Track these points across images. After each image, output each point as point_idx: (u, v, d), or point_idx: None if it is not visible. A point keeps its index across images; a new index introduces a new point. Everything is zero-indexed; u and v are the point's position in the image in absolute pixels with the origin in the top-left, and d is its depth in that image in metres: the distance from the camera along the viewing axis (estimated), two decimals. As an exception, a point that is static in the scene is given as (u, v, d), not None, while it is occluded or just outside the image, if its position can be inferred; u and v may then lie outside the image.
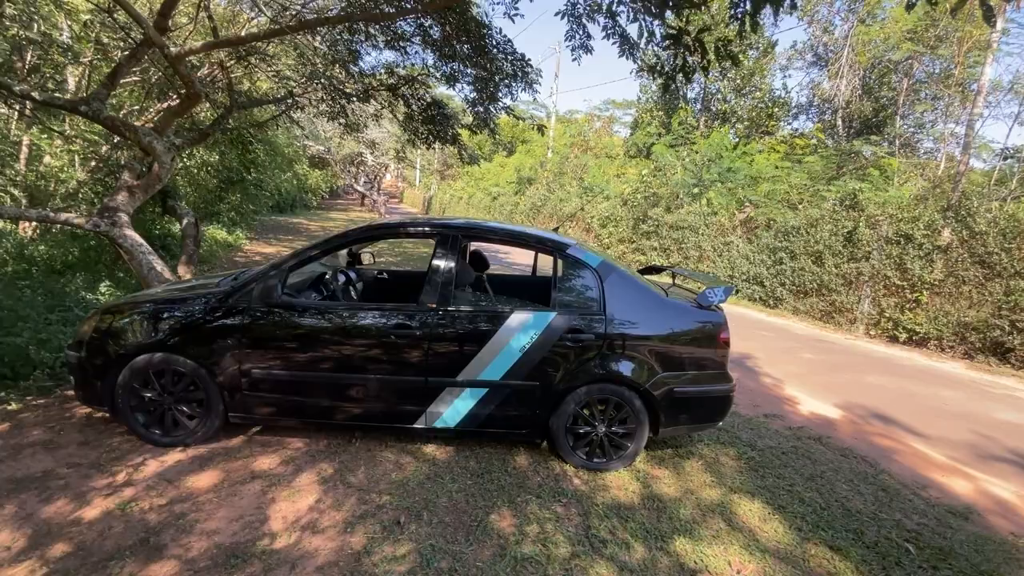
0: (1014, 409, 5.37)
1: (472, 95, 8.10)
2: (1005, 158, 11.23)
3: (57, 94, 7.60)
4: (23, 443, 3.05)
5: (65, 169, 8.76)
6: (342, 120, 9.31)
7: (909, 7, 2.04)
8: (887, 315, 8.24)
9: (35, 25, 7.23)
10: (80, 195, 8.68)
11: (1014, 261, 7.03)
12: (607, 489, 3.07)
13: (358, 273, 4.47)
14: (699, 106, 19.28)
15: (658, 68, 3.11)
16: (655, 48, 2.98)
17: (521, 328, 3.08)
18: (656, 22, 2.78)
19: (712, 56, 2.76)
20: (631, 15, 2.98)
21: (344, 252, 4.48)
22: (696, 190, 12.75)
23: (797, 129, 17.70)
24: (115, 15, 6.47)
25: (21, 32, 7.09)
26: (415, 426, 3.17)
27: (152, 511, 2.51)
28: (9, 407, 3.46)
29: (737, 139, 14.96)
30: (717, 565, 2.49)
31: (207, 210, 12.94)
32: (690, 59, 2.79)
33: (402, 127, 9.47)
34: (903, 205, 8.39)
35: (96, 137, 8.60)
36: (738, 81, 17.07)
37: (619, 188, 16.38)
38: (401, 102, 8.61)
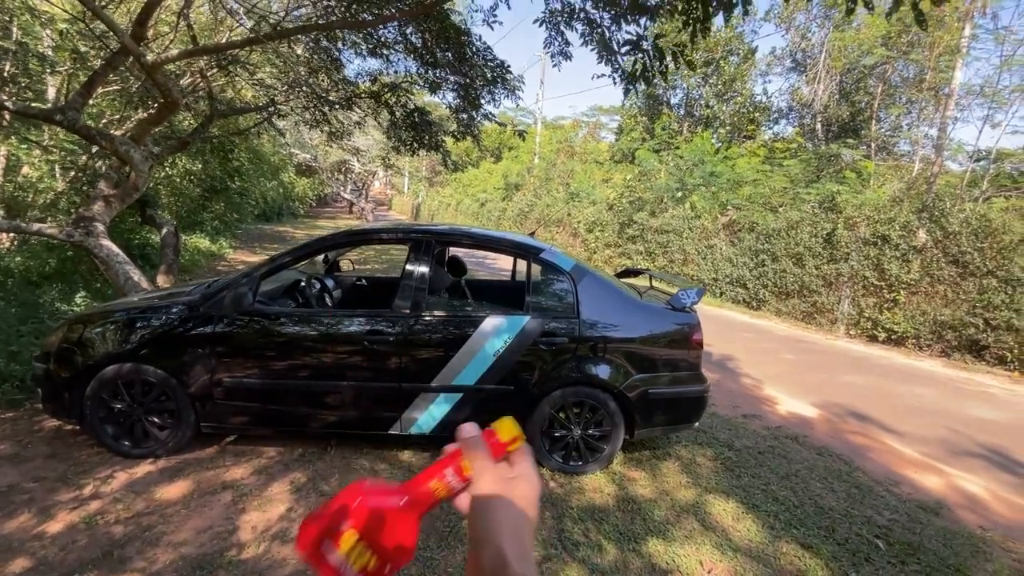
0: (987, 405, 5.47)
1: (456, 102, 8.15)
2: (976, 160, 11.50)
3: (36, 104, 7.50)
4: (-12, 457, 2.99)
5: (44, 179, 8.63)
6: (325, 128, 9.30)
7: (849, 11, 2.11)
8: (866, 315, 8.36)
9: (13, 34, 7.14)
10: (60, 205, 8.56)
11: (986, 260, 7.18)
12: (583, 492, 3.08)
13: (336, 280, 4.45)
14: (682, 111, 19.52)
15: (618, 73, 3.17)
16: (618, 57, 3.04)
17: (494, 332, 3.09)
18: (615, 28, 2.83)
19: (670, 61, 2.82)
20: (599, 22, 3.02)
21: (321, 259, 4.47)
22: (680, 194, 12.87)
23: (778, 133, 18.00)
24: (91, 24, 6.42)
25: (-4, 41, 7.00)
26: (390, 432, 3.16)
27: (118, 524, 2.47)
28: (-24, 421, 3.39)
29: (720, 143, 15.16)
30: (688, 565, 2.50)
31: (190, 219, 12.82)
32: (649, 65, 2.84)
33: (386, 134, 9.49)
34: (879, 207, 8.54)
35: (75, 147, 8.50)
36: (720, 87, 17.33)
37: (605, 193, 16.50)
38: (385, 109, 8.62)
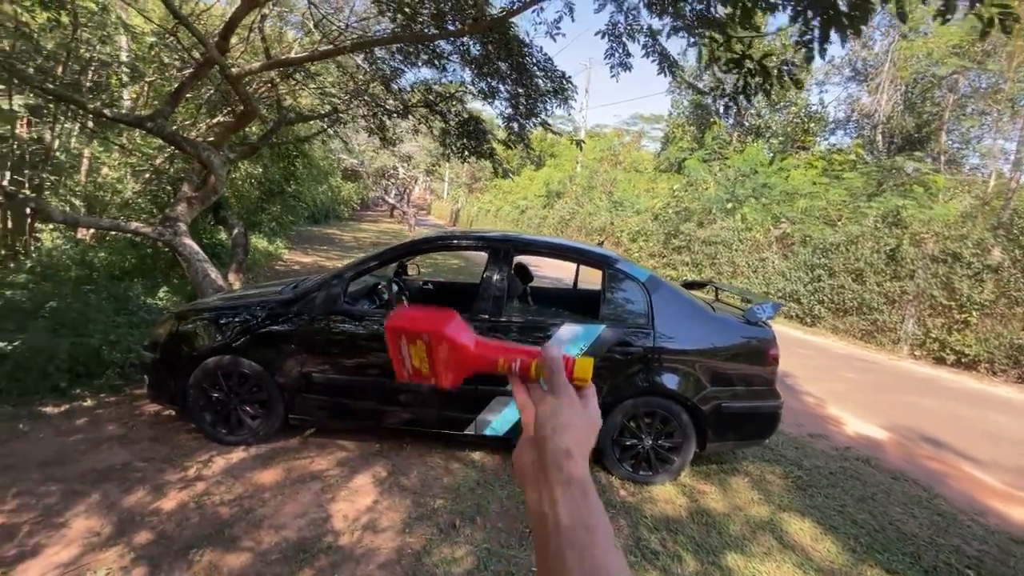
0: (1075, 437, 5.13)
1: (508, 111, 8.29)
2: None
3: (114, 109, 8.05)
4: (100, 437, 3.26)
5: (122, 180, 9.24)
6: (381, 135, 9.63)
7: (942, 18, 2.02)
8: (933, 335, 7.98)
9: (97, 46, 7.71)
10: (133, 205, 9.15)
11: (1071, 282, 6.76)
12: (654, 502, 3.09)
13: (404, 283, 4.62)
14: (731, 121, 19.15)
15: (720, 90, 3.19)
16: (715, 70, 3.07)
17: (570, 340, 3.15)
18: (721, 47, 2.86)
19: (775, 80, 2.82)
20: (689, 40, 3.05)
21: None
22: (730, 205, 12.63)
23: (834, 144, 17.39)
24: (178, 36, 6.88)
25: (91, 53, 7.58)
26: (465, 433, 3.26)
27: (223, 505, 2.65)
28: (85, 403, 3.69)
29: (772, 154, 14.79)
30: (771, 582, 2.48)
31: (249, 220, 13.44)
32: (751, 82, 2.86)
33: (439, 142, 9.72)
34: (950, 223, 8.16)
35: (151, 151, 9.08)
36: (773, 96, 16.94)
37: (649, 203, 16.35)
38: (439, 118, 8.86)
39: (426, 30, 6.28)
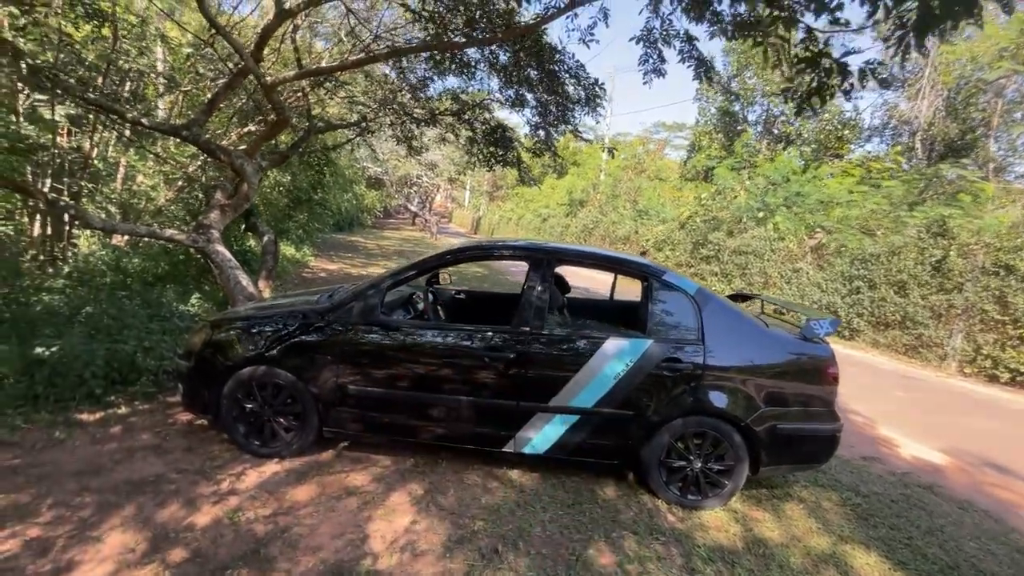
0: None
1: (535, 119, 8.20)
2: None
3: (150, 118, 8.19)
4: (135, 446, 3.21)
5: (156, 188, 9.40)
6: (408, 143, 9.63)
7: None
8: (984, 352, 7.56)
9: (135, 57, 7.87)
10: (166, 212, 9.29)
11: None
12: (705, 529, 2.90)
13: (436, 293, 4.52)
14: (760, 128, 18.78)
15: (790, 92, 3.02)
16: (783, 71, 2.89)
17: (616, 355, 2.99)
18: (799, 45, 2.68)
19: (856, 80, 2.63)
20: (755, 39, 2.87)
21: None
22: (761, 214, 12.30)
23: (870, 152, 16.87)
24: (214, 47, 6.98)
25: (130, 64, 7.75)
26: (504, 450, 3.12)
27: (258, 522, 2.56)
28: (120, 411, 3.66)
29: (804, 162, 14.39)
30: (843, 624, 2.27)
31: (277, 227, 13.60)
32: (830, 82, 2.67)
33: (465, 150, 9.68)
34: (1002, 233, 7.74)
35: (184, 159, 9.23)
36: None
37: (675, 212, 16.07)
38: (465, 126, 8.81)
39: (457, 38, 6.25)
